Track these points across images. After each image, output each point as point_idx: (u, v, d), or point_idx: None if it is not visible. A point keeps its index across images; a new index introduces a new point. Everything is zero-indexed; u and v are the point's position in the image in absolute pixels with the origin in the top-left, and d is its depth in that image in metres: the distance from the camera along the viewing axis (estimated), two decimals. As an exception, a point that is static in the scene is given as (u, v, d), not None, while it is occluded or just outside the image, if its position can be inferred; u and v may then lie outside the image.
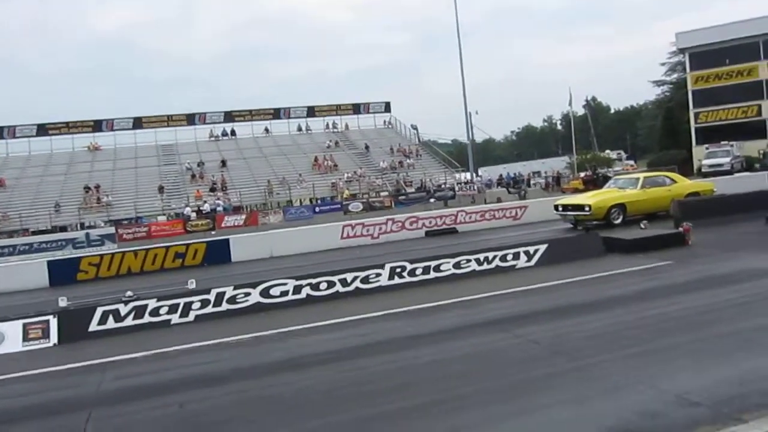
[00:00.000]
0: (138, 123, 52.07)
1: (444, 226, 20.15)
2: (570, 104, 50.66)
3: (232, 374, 6.38)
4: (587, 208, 16.72)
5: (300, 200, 42.71)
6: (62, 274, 16.75)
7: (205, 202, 40.58)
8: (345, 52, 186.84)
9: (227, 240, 18.73)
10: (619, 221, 16.53)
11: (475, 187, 42.26)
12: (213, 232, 31.24)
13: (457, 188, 40.92)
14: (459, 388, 5.28)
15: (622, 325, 6.78)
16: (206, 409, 5.44)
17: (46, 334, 8.84)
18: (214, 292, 9.51)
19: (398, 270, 10.35)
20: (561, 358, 5.86)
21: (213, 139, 54.22)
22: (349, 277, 10.08)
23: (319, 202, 41.54)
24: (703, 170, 35.81)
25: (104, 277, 17.07)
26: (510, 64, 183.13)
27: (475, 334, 7.03)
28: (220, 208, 39.92)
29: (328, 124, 57.97)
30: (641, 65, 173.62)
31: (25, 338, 8.76)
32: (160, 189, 43.67)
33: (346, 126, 58.34)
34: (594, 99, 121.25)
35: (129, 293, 9.43)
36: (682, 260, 10.28)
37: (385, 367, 6.12)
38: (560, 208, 18.09)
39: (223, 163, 48.80)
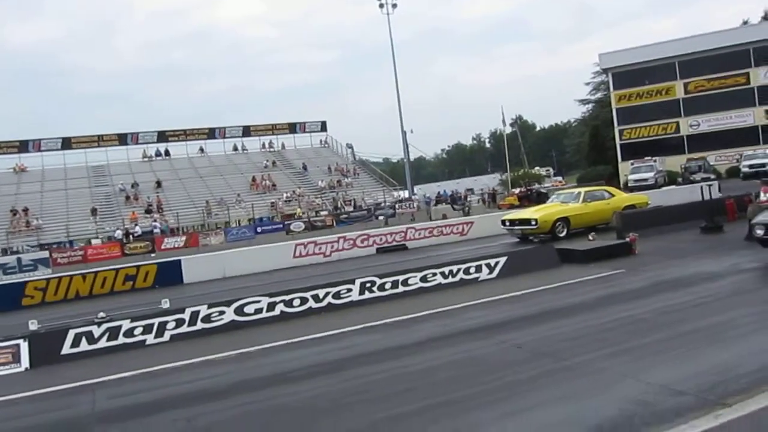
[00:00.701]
0: (67, 143, 50.61)
1: (394, 243, 20.56)
2: (503, 122, 52.50)
3: (230, 389, 6.49)
4: (534, 222, 17.45)
5: (238, 221, 42.32)
6: (5, 299, 16.12)
7: (136, 225, 39.53)
8: (269, 70, 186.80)
9: (179, 261, 18.51)
10: (563, 234, 17.33)
11: (415, 205, 42.98)
12: (153, 255, 30.59)
13: (397, 206, 41.50)
14: (457, 391, 5.59)
15: (594, 328, 7.28)
16: (216, 422, 5.55)
17: (16, 359, 8.63)
18: (188, 311, 9.52)
19: (368, 285, 10.62)
20: (547, 360, 6.27)
21: (146, 159, 53.20)
22: (321, 293, 10.28)
23: (255, 222, 41.14)
24: (629, 185, 37.59)
25: (51, 301, 16.54)
26: (437, 83, 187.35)
27: (458, 342, 7.38)
28: (157, 230, 39.11)
29: (264, 144, 57.81)
30: (562, 85, 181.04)
31: (-6, 364, 8.55)
32: (93, 211, 42.48)
33: (283, 145, 58.37)
34: (520, 117, 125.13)
35: (101, 314, 9.33)
36: (633, 268, 11.01)
37: (380, 376, 6.37)
38: (507, 223, 18.81)
39: (158, 183, 47.93)
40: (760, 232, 9.56)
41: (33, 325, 9.15)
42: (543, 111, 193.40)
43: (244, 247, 24.21)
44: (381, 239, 20.57)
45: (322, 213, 42.75)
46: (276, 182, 50.03)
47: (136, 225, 39.61)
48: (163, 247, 33.87)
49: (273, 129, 58.57)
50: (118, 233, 37.49)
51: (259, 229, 37.46)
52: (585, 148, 57.76)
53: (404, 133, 50.40)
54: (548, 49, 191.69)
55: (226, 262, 18.88)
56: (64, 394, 7.07)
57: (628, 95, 48.40)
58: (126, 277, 17.52)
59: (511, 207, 37.26)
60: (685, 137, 46.49)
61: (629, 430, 4.30)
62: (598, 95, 60.76)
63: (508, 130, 58.66)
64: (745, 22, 61.60)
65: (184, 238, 35.48)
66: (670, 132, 47.14)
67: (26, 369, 8.53)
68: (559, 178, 77.55)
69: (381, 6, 47.95)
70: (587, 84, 63.47)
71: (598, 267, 11.42)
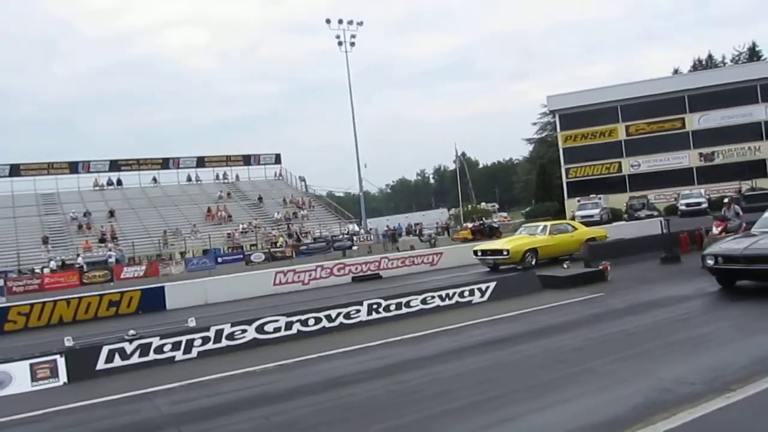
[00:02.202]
0: (15, 170, 49.50)
1: (369, 272, 21.42)
2: (456, 158, 54.29)
3: (290, 392, 7.21)
4: (506, 252, 18.67)
5: (192, 252, 42.28)
6: (-13, 325, 16.16)
7: (78, 255, 38.90)
8: (212, 101, 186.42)
9: (162, 288, 18.86)
10: (533, 263, 18.51)
11: (371, 237, 44.01)
12: (111, 284, 30.44)
13: (354, 239, 42.40)
14: (493, 391, 6.51)
15: (595, 340, 8.37)
16: (292, 419, 6.27)
17: (54, 374, 9.07)
18: (213, 329, 10.15)
19: (375, 306, 11.48)
20: (563, 365, 7.27)
21: (98, 188, 52.53)
22: (333, 313, 11.07)
23: (211, 252, 41.06)
24: (576, 221, 39.58)
25: (35, 326, 16.60)
26: (380, 120, 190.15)
27: (476, 353, 8.32)
28: (112, 260, 38.69)
29: (218, 175, 57.94)
30: (503, 124, 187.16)
31: (34, 378, 8.94)
32: (45, 240, 41.72)
33: (237, 177, 58.59)
34: (464, 154, 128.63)
35: (132, 332, 9.85)
36: (611, 292, 12.26)
37: (419, 381, 7.23)
38: (480, 253, 20.03)
39: (111, 213, 47.44)
40: (710, 262, 10.82)
41: (68, 342, 9.62)
42: (484, 149, 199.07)
43: (234, 273, 24.62)
44: (356, 268, 21.42)
45: (278, 244, 43.19)
46: (231, 213, 50.24)
47: (78, 255, 38.78)
48: (122, 276, 33.68)
49: (227, 160, 58.89)
50: (81, 260, 36.99)
51: (219, 260, 37.61)
52: (533, 185, 60.33)
53: (359, 168, 51.64)
54: (488, 89, 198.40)
55: (209, 289, 19.32)
56: (121, 403, 7.58)
57: (573, 136, 51.29)
58: (110, 302, 17.74)
59: (465, 240, 38.86)
60: (627, 176, 49.52)
61: (664, 407, 5.30)
62: (545, 134, 63.77)
63: (450, 165, 60.68)
64: (676, 71, 66.19)
65: (143, 267, 35.33)
66: (613, 171, 50.12)
67: (64, 383, 8.97)
68: (504, 214, 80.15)
69: (340, 44, 49.38)
70: (534, 124, 66.69)
71: (578, 291, 12.63)
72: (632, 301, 11.12)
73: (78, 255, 38.87)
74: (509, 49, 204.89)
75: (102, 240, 42.73)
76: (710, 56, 68.84)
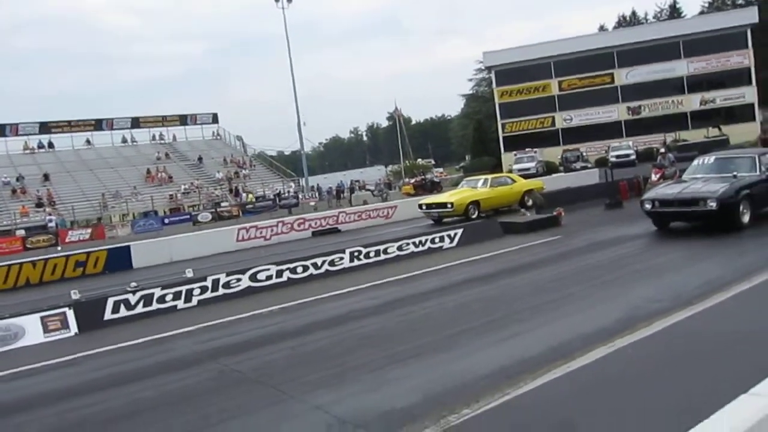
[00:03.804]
0: (-62, 134, 47.14)
1: (328, 227, 22.18)
2: (395, 113, 54.91)
3: (306, 328, 7.99)
4: (449, 206, 19.46)
5: (133, 214, 41.78)
6: (-48, 288, 16.11)
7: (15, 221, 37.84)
8: (136, 59, 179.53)
9: (128, 247, 19.09)
10: (474, 216, 19.15)
11: (316, 195, 44.58)
12: (59, 248, 30.02)
13: (300, 196, 42.86)
14: (495, 314, 7.52)
15: (568, 273, 9.52)
16: (316, 349, 7.06)
17: (65, 325, 9.53)
18: (210, 279, 10.75)
19: (356, 253, 12.33)
20: (547, 293, 8.32)
21: (28, 151, 50.62)
22: (319, 261, 11.85)
23: (146, 215, 40.64)
24: (513, 174, 41.24)
25: (2, 289, 16.63)
26: (310, 77, 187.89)
27: (466, 288, 9.34)
28: (52, 224, 37.86)
29: (154, 136, 56.69)
30: (434, 80, 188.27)
31: (45, 330, 9.38)
32: (-23, 205, 40.24)
33: (174, 137, 57.46)
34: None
35: (133, 284, 10.37)
36: (567, 235, 13.52)
37: (426, 311, 8.16)
38: (424, 207, 20.84)
39: (46, 176, 45.99)
40: (647, 206, 12.03)
41: (75, 295, 10.04)
42: (416, 105, 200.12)
43: (197, 231, 24.89)
44: (316, 223, 22.14)
45: (224, 204, 43.14)
46: (172, 174, 49.56)
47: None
48: (67, 240, 33.15)
49: (163, 121, 57.49)
50: (21, 232, 35.96)
51: (166, 221, 37.35)
52: (469, 141, 61.88)
53: (300, 126, 51.69)
54: (417, 47, 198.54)
55: (173, 247, 19.67)
56: (149, 345, 8.20)
57: (509, 91, 52.92)
58: (77, 263, 17.89)
59: (408, 195, 39.90)
60: (560, 130, 51.70)
61: (641, 320, 6.37)
62: (481, 90, 65.24)
63: (383, 123, 61.64)
64: (602, 27, 68.59)
65: (89, 230, 34.83)
66: (546, 126, 52.19)
67: (75, 333, 9.45)
68: (440, 170, 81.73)
69: (276, 0, 48.73)
70: (470, 80, 68.00)
71: (537, 235, 13.82)
72: (589, 240, 12.37)
73: (12, 222, 37.79)
74: (436, 6, 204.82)
75: (39, 204, 41.52)
76: (634, 13, 71.67)
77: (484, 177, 22.28)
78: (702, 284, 7.59)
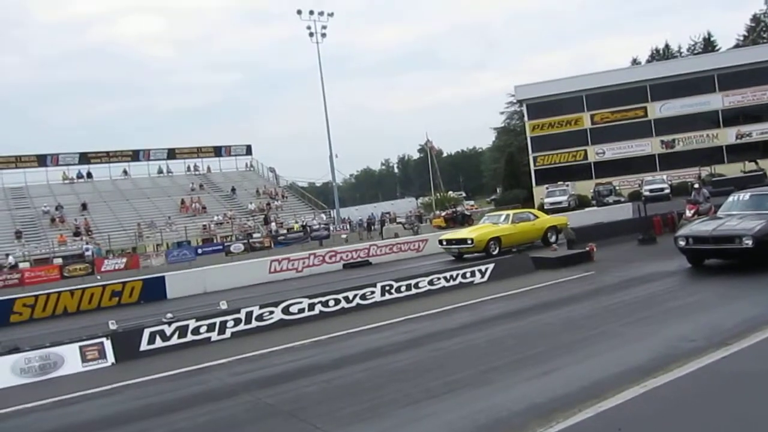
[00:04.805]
0: (-19, 164, 48.87)
1: (359, 259, 22.29)
2: (426, 145, 55.26)
3: (337, 362, 8.07)
4: (470, 242, 19.22)
5: (167, 244, 42.50)
6: (-6, 316, 16.52)
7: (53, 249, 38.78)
8: (170, 89, 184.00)
9: (163, 277, 19.42)
10: (495, 252, 18.80)
11: (347, 227, 44.88)
12: (98, 277, 30.64)
13: (331, 228, 43.20)
14: (528, 351, 7.49)
15: (601, 309, 9.48)
16: (352, 382, 7.13)
17: (102, 355, 9.75)
18: (243, 311, 10.92)
19: (387, 287, 12.40)
20: (580, 330, 8.31)
21: (68, 181, 52.14)
22: (350, 294, 11.96)
23: (183, 245, 41.30)
24: (545, 207, 41.09)
25: (39, 318, 16.96)
26: (342, 109, 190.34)
27: (499, 324, 9.34)
28: (89, 253, 38.72)
29: (189, 167, 57.91)
30: (466, 113, 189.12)
31: (84, 359, 9.61)
32: (18, 234, 41.41)
33: (208, 168, 58.65)
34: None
35: (169, 315, 10.58)
36: (600, 270, 13.41)
37: (457, 347, 8.19)
38: (445, 242, 20.76)
39: (84, 206, 47.24)
40: (682, 243, 11.96)
41: (113, 325, 10.29)
42: (447, 138, 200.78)
43: (231, 263, 25.25)
44: (347, 255, 22.27)
45: (256, 235, 43.67)
46: (206, 205, 50.46)
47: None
48: (103, 269, 33.85)
49: (198, 152, 58.86)
50: (58, 260, 36.85)
51: (199, 251, 37.97)
52: (501, 173, 61.90)
53: (332, 158, 52.22)
54: (450, 79, 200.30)
55: (207, 278, 19.92)
56: (184, 377, 8.34)
57: (541, 125, 52.97)
58: (113, 293, 18.24)
59: (439, 228, 39.95)
60: (592, 164, 51.47)
61: (675, 359, 6.33)
62: (511, 123, 65.42)
63: (414, 155, 61.99)
64: (635, 60, 68.46)
65: (124, 259, 35.53)
66: (579, 159, 52.00)
67: (112, 364, 9.66)
68: (471, 202, 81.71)
69: (311, 35, 49.74)
70: (501, 113, 68.31)
71: (569, 271, 13.76)
72: (622, 277, 12.27)
73: (53, 249, 38.78)
74: (472, 38, 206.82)
75: (77, 233, 42.60)
76: (667, 46, 71.43)
77: (506, 213, 21.76)
78: (737, 323, 7.50)
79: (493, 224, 20.64)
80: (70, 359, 9.56)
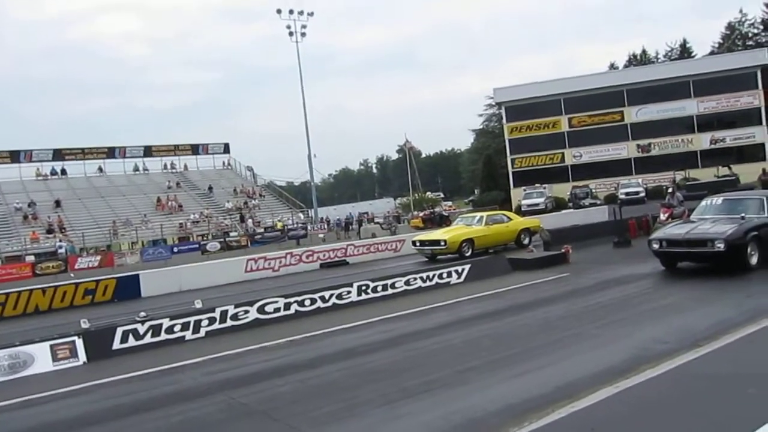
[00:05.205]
0: (-46, 159, 47.87)
1: (336, 259, 22.24)
2: (405, 146, 55.38)
3: (313, 362, 8.01)
4: (443, 243, 19.19)
5: (142, 242, 42.01)
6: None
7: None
8: (148, 88, 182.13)
9: (137, 276, 19.18)
10: (468, 254, 18.74)
11: (325, 227, 44.76)
12: (72, 274, 30.17)
13: (309, 228, 43.06)
14: (504, 351, 7.52)
15: (576, 311, 9.53)
16: (327, 382, 7.09)
17: (74, 354, 9.58)
18: (218, 310, 10.81)
19: (364, 287, 12.37)
20: (556, 331, 8.35)
21: (41, 178, 51.24)
22: (326, 294, 11.91)
23: (155, 244, 40.82)
24: (522, 209, 41.37)
25: (10, 316, 16.67)
26: (321, 109, 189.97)
27: (475, 324, 9.36)
28: (62, 250, 38.13)
29: (166, 165, 57.29)
30: (444, 114, 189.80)
31: (55, 358, 9.44)
32: (-11, 231, 40.65)
33: (185, 166, 58.06)
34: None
35: (142, 314, 10.44)
36: (576, 272, 13.52)
37: (434, 347, 8.19)
38: (418, 244, 20.78)
39: (57, 203, 46.49)
40: (655, 246, 12.05)
41: (85, 324, 10.12)
42: (426, 139, 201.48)
43: (207, 261, 24.96)
44: (324, 255, 22.20)
45: (233, 234, 43.34)
46: (182, 203, 49.98)
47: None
48: (76, 267, 33.35)
49: (175, 150, 58.23)
50: (31, 258, 36.28)
51: (175, 249, 37.58)
52: (479, 175, 62.23)
53: (310, 158, 52.11)
54: (429, 81, 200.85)
55: (182, 277, 19.73)
56: (157, 376, 8.24)
57: (519, 127, 53.37)
58: (86, 291, 17.96)
59: (417, 228, 40.04)
60: (569, 166, 51.96)
61: (647, 361, 6.38)
62: (491, 125, 65.78)
63: (408, 154, 61.95)
64: (612, 65, 69.28)
65: (98, 257, 35.05)
66: (556, 162, 52.49)
67: (84, 363, 9.49)
68: (449, 203, 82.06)
69: (291, 34, 49.60)
70: (480, 115, 68.63)
71: (545, 272, 13.84)
72: (597, 279, 12.38)
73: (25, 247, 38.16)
74: (452, 41, 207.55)
75: (50, 231, 41.93)
76: (644, 51, 72.28)
77: (480, 214, 21.91)
78: (709, 326, 7.60)
79: (466, 226, 20.65)
80: (40, 358, 9.38)
